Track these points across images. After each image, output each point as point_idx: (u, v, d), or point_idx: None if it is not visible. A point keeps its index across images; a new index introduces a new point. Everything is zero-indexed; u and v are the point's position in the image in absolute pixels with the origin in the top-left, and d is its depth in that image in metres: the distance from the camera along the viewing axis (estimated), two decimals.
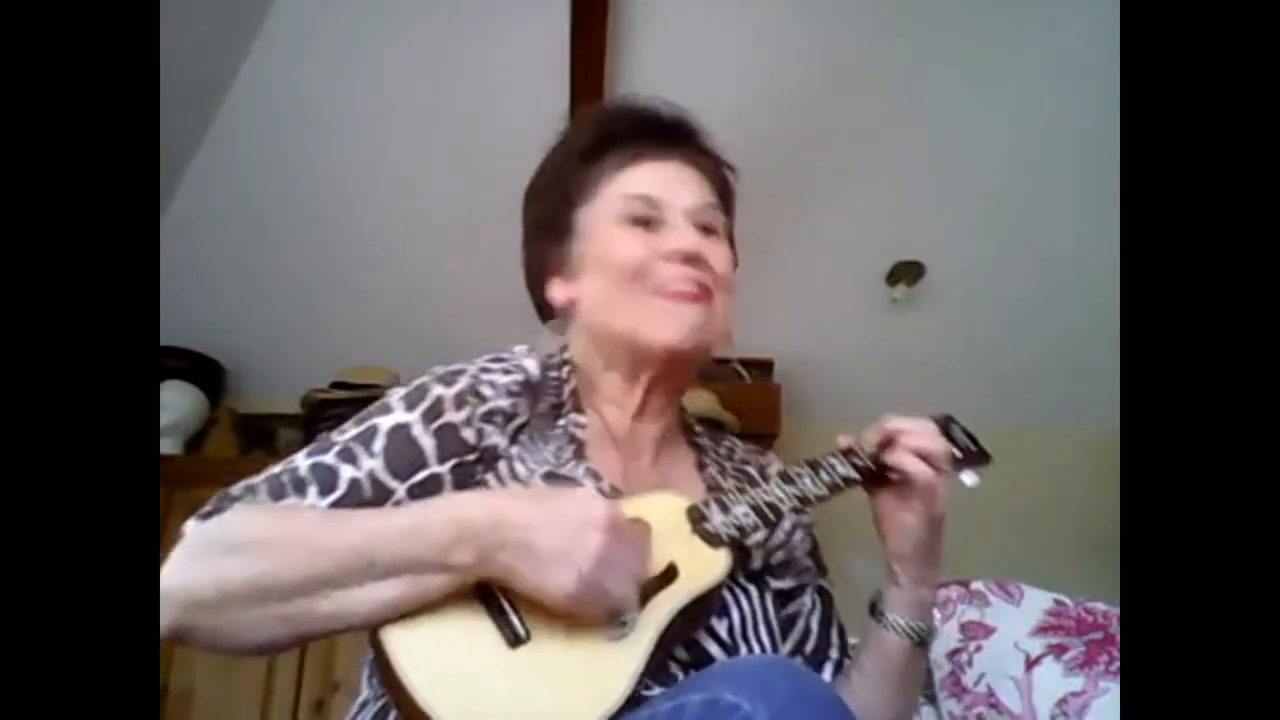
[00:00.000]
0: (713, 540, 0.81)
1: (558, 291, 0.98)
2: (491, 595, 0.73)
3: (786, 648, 0.94)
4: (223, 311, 2.78)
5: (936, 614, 1.10)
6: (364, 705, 0.82)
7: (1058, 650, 1.26)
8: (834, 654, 0.97)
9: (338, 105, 2.36)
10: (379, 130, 2.41)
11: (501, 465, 0.86)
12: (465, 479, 0.84)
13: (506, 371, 0.90)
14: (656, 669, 0.75)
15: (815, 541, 1.02)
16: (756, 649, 0.87)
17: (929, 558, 0.88)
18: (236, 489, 0.80)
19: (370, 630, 0.73)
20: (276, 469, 0.82)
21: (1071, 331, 2.79)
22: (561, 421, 0.91)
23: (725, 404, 2.65)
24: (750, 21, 2.23)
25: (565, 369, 0.95)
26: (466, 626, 0.72)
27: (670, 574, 0.77)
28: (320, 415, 2.56)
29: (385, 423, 0.84)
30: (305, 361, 2.77)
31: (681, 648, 0.81)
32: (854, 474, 0.87)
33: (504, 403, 0.88)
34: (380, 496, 0.80)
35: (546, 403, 0.92)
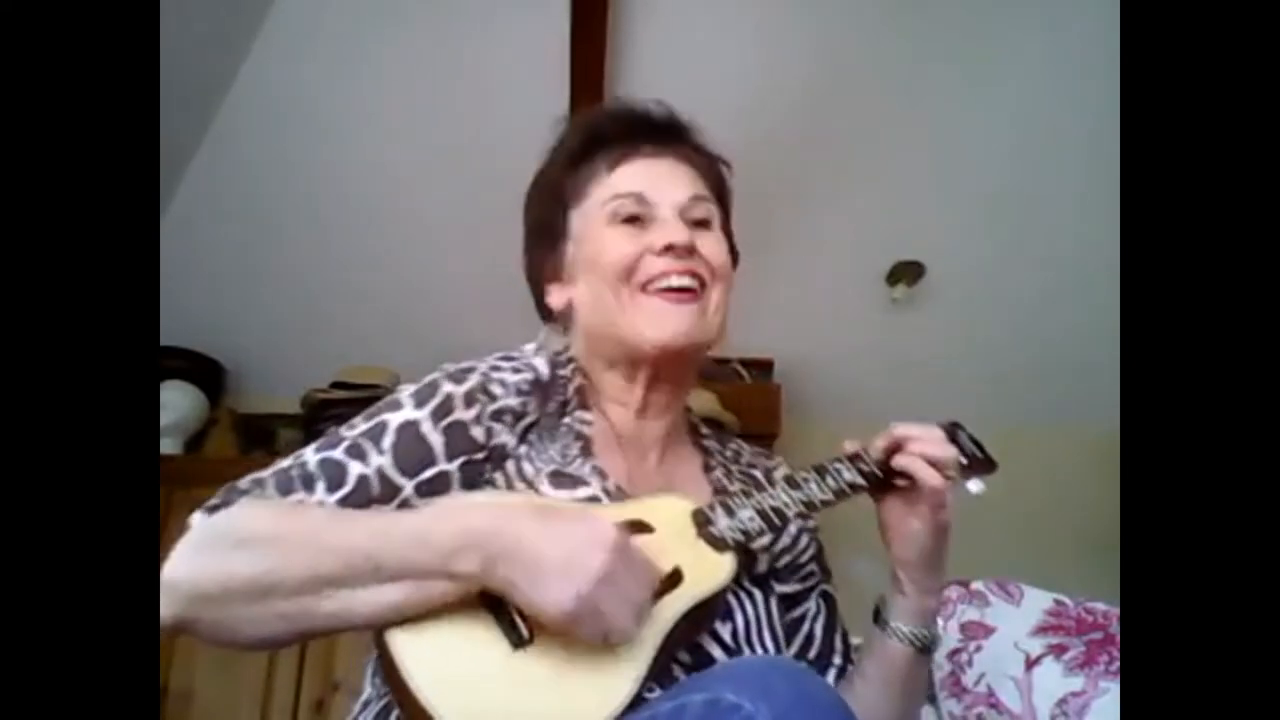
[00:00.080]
0: (718, 544, 0.81)
1: (555, 296, 0.98)
2: (497, 598, 0.73)
3: (790, 652, 0.94)
4: (223, 311, 2.78)
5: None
6: (366, 704, 0.82)
7: (1058, 650, 1.26)
8: (837, 660, 0.97)
9: (338, 105, 2.36)
10: (379, 130, 2.41)
11: (510, 464, 0.86)
12: (473, 477, 0.84)
13: (517, 370, 0.90)
14: (660, 672, 0.75)
15: (820, 545, 1.01)
16: (760, 653, 0.86)
17: (934, 565, 0.87)
18: (244, 482, 0.80)
19: (375, 631, 0.73)
20: (285, 463, 0.82)
21: (1071, 331, 2.79)
22: (567, 419, 0.91)
23: (725, 404, 2.65)
24: (750, 21, 2.23)
25: (570, 367, 0.96)
26: (471, 629, 0.72)
27: (675, 578, 0.77)
28: (320, 415, 2.56)
29: (394, 419, 0.84)
30: (305, 361, 2.77)
31: (685, 651, 0.81)
32: (860, 480, 0.87)
33: (514, 401, 0.87)
34: (388, 493, 0.80)
35: (555, 401, 0.92)
